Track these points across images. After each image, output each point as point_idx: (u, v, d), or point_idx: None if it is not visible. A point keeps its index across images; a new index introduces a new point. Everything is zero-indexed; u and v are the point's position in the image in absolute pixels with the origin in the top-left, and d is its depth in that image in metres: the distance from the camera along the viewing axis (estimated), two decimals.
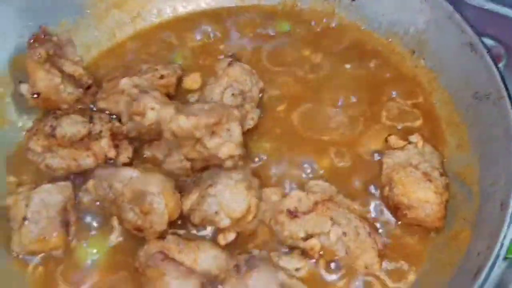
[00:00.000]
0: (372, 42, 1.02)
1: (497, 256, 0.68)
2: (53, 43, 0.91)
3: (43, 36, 0.91)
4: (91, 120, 0.87)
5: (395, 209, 0.80)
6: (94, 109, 0.92)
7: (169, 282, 0.70)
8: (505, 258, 0.71)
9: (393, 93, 0.94)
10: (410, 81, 0.96)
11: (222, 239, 0.76)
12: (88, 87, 0.94)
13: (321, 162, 0.87)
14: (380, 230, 0.80)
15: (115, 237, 0.81)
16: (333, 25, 1.06)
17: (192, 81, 0.96)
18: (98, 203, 0.81)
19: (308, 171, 0.86)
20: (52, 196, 0.81)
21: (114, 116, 0.89)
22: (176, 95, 0.94)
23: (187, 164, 0.82)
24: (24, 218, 0.79)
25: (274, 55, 1.02)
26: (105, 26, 1.05)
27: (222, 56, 0.99)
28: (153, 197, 0.74)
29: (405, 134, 0.87)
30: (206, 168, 0.82)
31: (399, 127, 0.90)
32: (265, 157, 0.88)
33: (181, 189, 0.79)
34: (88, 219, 0.83)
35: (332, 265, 0.77)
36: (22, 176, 0.88)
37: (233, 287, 0.71)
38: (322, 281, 0.76)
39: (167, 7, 1.09)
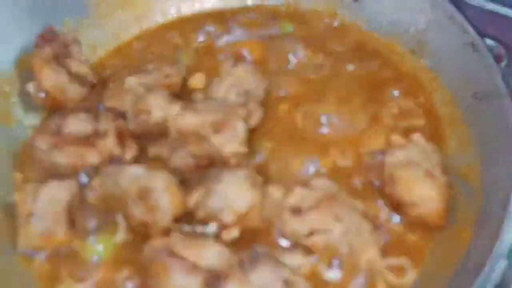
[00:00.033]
0: (373, 42, 1.03)
1: (499, 255, 0.69)
2: (59, 42, 0.93)
3: (49, 35, 0.92)
4: (96, 118, 0.88)
5: (397, 206, 0.81)
6: (100, 107, 0.93)
7: (173, 278, 0.70)
8: (507, 257, 0.72)
9: (395, 92, 0.95)
10: (411, 80, 0.97)
11: (226, 236, 0.76)
12: (94, 86, 0.95)
13: (324, 161, 0.88)
14: (382, 228, 0.80)
15: (120, 234, 0.81)
16: (335, 25, 1.07)
17: (197, 80, 0.97)
18: (103, 200, 0.82)
19: (311, 169, 0.87)
20: (58, 193, 0.82)
21: (120, 115, 0.90)
22: (180, 94, 0.94)
23: (192, 162, 0.83)
24: (30, 215, 0.80)
25: (277, 55, 1.02)
26: (110, 26, 1.06)
27: (226, 56, 1.00)
28: (158, 193, 0.75)
29: (406, 133, 0.87)
30: (210, 166, 0.82)
31: (401, 127, 0.91)
32: (268, 155, 0.89)
33: (186, 186, 0.80)
34: (93, 216, 0.83)
35: (335, 261, 0.77)
36: (28, 173, 0.89)
37: (236, 283, 0.71)
38: (325, 278, 0.77)
39: (172, 8, 1.10)
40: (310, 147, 0.89)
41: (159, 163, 0.84)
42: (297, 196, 0.79)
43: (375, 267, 0.77)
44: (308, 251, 0.77)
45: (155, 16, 1.10)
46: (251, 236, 0.79)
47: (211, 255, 0.73)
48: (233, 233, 0.76)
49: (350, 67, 1.00)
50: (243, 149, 0.81)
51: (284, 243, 0.79)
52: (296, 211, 0.78)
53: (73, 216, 0.82)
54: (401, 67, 0.99)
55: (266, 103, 0.94)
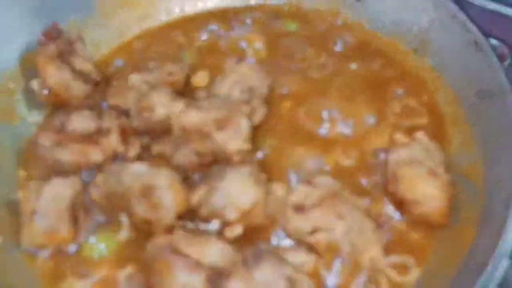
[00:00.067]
0: (376, 41, 1.04)
1: (502, 254, 0.69)
2: (63, 40, 0.93)
3: (54, 33, 0.92)
4: (100, 116, 0.88)
5: (400, 205, 0.81)
6: (104, 105, 0.93)
7: (176, 275, 0.70)
8: (510, 257, 0.72)
9: (398, 91, 0.95)
10: (414, 79, 0.97)
11: (229, 233, 0.77)
12: (97, 84, 0.95)
13: (327, 159, 0.88)
14: (385, 226, 0.80)
15: (123, 231, 0.81)
16: (338, 24, 1.08)
17: (200, 78, 0.97)
18: (106, 197, 0.82)
19: (314, 167, 0.87)
20: (61, 190, 0.82)
21: (123, 112, 0.91)
22: (183, 92, 0.95)
23: (195, 159, 0.83)
24: (34, 212, 0.80)
25: (280, 54, 1.03)
26: (114, 24, 1.07)
27: (229, 55, 1.01)
28: (162, 191, 0.75)
29: (410, 132, 0.87)
30: (214, 163, 0.83)
31: (404, 125, 0.91)
32: (271, 153, 0.89)
33: (189, 184, 0.80)
34: (96, 213, 0.83)
35: (338, 259, 0.78)
36: (32, 170, 0.89)
37: (239, 280, 0.71)
38: (328, 276, 0.77)
39: (175, 7, 1.11)
40: (313, 145, 0.89)
41: (162, 160, 0.84)
42: (300, 193, 0.79)
43: (377, 266, 0.77)
44: (311, 249, 0.77)
45: (158, 15, 1.10)
46: (254, 234, 0.79)
47: (214, 252, 0.73)
48: (237, 230, 0.77)
49: (353, 66, 1.00)
50: (246, 146, 0.81)
51: (287, 241, 0.79)
52: (299, 208, 0.78)
53: (76, 213, 0.82)
54: (404, 66, 0.99)
55: (270, 100, 0.94)
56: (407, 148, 0.84)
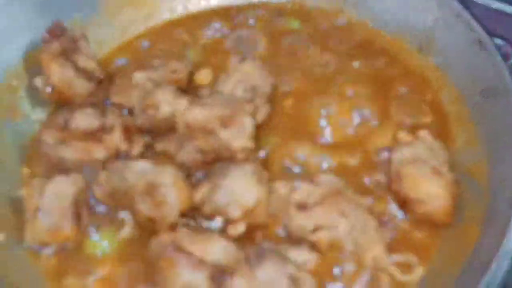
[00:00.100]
0: (380, 40, 1.03)
1: (506, 253, 0.69)
2: (67, 38, 0.93)
3: (57, 30, 0.93)
4: (103, 113, 0.88)
5: (404, 203, 0.80)
6: (107, 103, 0.93)
7: (180, 273, 0.70)
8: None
9: (402, 90, 0.95)
10: (418, 78, 0.97)
11: (233, 231, 0.77)
12: (101, 81, 0.95)
13: (330, 157, 0.88)
14: (388, 225, 0.80)
15: (126, 229, 0.81)
16: (341, 23, 1.07)
17: (203, 76, 0.97)
18: (110, 195, 0.82)
19: (317, 165, 0.87)
20: (64, 188, 0.82)
21: (127, 110, 0.91)
22: (187, 90, 0.95)
23: (199, 157, 0.83)
24: (37, 210, 0.80)
25: (283, 52, 1.03)
26: (117, 22, 1.07)
27: (233, 53, 1.01)
28: (165, 188, 0.75)
29: (413, 130, 0.87)
30: (217, 161, 0.82)
31: (408, 124, 0.91)
32: (274, 151, 0.89)
33: (192, 181, 0.80)
34: (100, 211, 0.84)
35: (340, 258, 0.77)
36: (35, 168, 0.90)
37: (242, 278, 0.71)
38: (330, 274, 0.77)
39: (179, 5, 1.11)
40: (316, 144, 0.89)
41: (166, 158, 0.84)
42: (303, 192, 0.79)
43: (381, 264, 0.77)
44: (313, 247, 0.77)
45: (162, 13, 1.10)
46: (257, 232, 0.79)
47: (218, 250, 0.73)
48: (240, 228, 0.77)
49: (357, 65, 1.00)
50: (250, 144, 0.81)
51: (289, 239, 0.79)
52: (302, 206, 0.78)
53: (79, 211, 0.82)
54: (408, 65, 0.99)
55: (273, 99, 0.94)
56: (410, 147, 0.83)
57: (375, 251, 0.77)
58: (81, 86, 0.92)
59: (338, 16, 1.08)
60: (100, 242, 0.81)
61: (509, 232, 0.70)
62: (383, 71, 0.99)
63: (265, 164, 0.86)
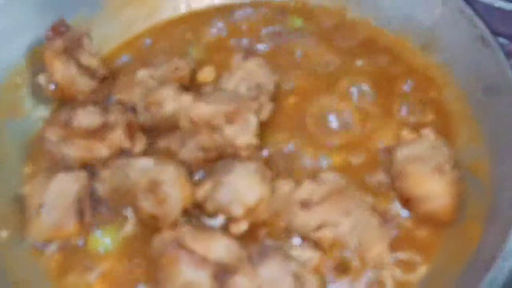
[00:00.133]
0: (383, 38, 1.03)
1: (509, 251, 0.68)
2: (70, 35, 0.93)
3: (61, 28, 0.93)
4: (106, 111, 0.88)
5: (407, 202, 0.80)
6: (110, 100, 0.94)
7: (182, 270, 0.70)
8: None
9: (405, 88, 0.95)
10: (422, 76, 0.96)
11: (235, 229, 0.77)
12: (104, 79, 0.95)
13: (333, 155, 0.88)
14: (391, 223, 0.80)
15: (129, 226, 0.82)
16: (344, 21, 1.07)
17: (206, 74, 0.97)
18: (112, 192, 0.82)
19: (320, 163, 0.87)
20: (67, 185, 0.82)
21: (129, 108, 0.91)
22: (189, 88, 0.94)
23: (201, 155, 0.83)
24: (40, 207, 0.80)
25: (286, 51, 1.02)
26: (120, 20, 1.07)
27: (236, 50, 1.01)
28: (168, 186, 0.76)
29: (416, 128, 0.87)
30: (219, 159, 0.83)
31: (411, 122, 0.91)
32: (277, 149, 0.89)
33: (195, 179, 0.80)
34: (102, 208, 0.84)
35: (343, 255, 0.78)
36: (38, 165, 0.90)
37: (245, 276, 0.71)
38: (333, 272, 0.77)
39: (182, 3, 1.11)
40: (319, 141, 0.89)
41: (168, 156, 0.84)
42: (306, 189, 0.79)
43: (383, 262, 0.77)
44: (316, 245, 0.77)
45: (165, 10, 1.10)
46: (260, 230, 0.79)
47: (220, 248, 0.73)
48: (242, 226, 0.77)
49: (360, 63, 1.00)
50: (255, 141, 0.82)
51: (292, 237, 0.79)
52: (305, 204, 0.78)
53: (82, 208, 0.82)
54: (411, 63, 0.99)
55: (276, 97, 0.94)
56: (414, 144, 0.83)
57: (378, 249, 0.77)
58: (84, 84, 0.92)
59: (341, 14, 1.08)
60: (103, 239, 0.82)
61: None
62: (386, 69, 0.98)
63: (268, 162, 0.86)
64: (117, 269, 0.79)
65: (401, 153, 0.83)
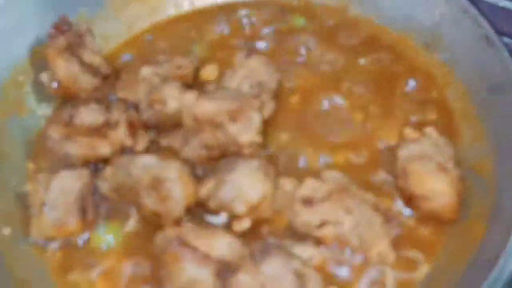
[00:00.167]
0: (386, 36, 1.03)
1: None
2: (73, 33, 0.93)
3: (63, 26, 0.93)
4: (108, 109, 0.88)
5: (410, 200, 0.80)
6: (112, 98, 0.94)
7: (185, 267, 0.70)
8: None
9: (408, 86, 0.95)
10: (425, 74, 0.96)
11: (238, 226, 0.77)
12: (106, 77, 0.95)
13: (335, 154, 0.88)
14: (394, 221, 0.80)
15: (131, 224, 0.82)
16: (347, 20, 1.07)
17: (209, 72, 0.97)
18: (115, 190, 0.82)
19: (322, 162, 0.87)
20: (70, 182, 0.82)
21: (132, 105, 0.91)
22: (193, 86, 0.94)
23: (204, 153, 0.83)
24: (43, 204, 0.80)
25: (289, 49, 1.02)
26: (123, 17, 1.07)
27: (239, 49, 1.01)
28: (171, 183, 0.76)
29: (419, 127, 0.87)
30: (222, 157, 0.82)
31: (414, 120, 0.90)
32: (279, 148, 0.89)
33: (197, 177, 0.80)
34: (105, 205, 0.84)
35: (345, 254, 0.77)
36: (41, 163, 0.90)
37: (248, 274, 0.71)
38: (335, 270, 0.77)
39: (185, 0, 1.11)
40: (321, 140, 0.89)
41: (171, 154, 0.84)
42: (309, 187, 0.79)
43: (386, 260, 0.77)
44: (319, 242, 0.77)
45: (168, 8, 1.10)
46: (262, 228, 0.79)
47: (223, 245, 0.73)
48: (245, 224, 0.77)
49: (362, 62, 1.00)
50: (258, 139, 0.82)
51: (295, 234, 0.79)
52: (308, 202, 0.78)
53: (85, 205, 0.82)
54: (414, 61, 0.98)
55: (279, 96, 0.94)
56: (417, 143, 0.83)
57: (380, 247, 0.76)
58: (87, 81, 0.92)
59: (343, 13, 1.08)
60: (105, 237, 0.82)
61: None
62: (389, 68, 0.98)
63: (271, 160, 0.86)
64: (119, 267, 0.79)
65: (404, 152, 0.82)
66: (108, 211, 0.83)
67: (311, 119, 0.92)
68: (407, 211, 0.81)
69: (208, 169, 0.82)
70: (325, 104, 0.94)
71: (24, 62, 0.96)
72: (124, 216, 0.82)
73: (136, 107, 0.89)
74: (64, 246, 0.81)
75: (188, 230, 0.73)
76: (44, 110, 0.96)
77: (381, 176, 0.85)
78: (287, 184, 0.81)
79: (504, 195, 0.76)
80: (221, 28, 1.07)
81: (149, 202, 0.77)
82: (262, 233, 0.79)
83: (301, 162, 0.87)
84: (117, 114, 0.87)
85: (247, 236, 0.76)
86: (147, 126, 0.88)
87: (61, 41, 0.90)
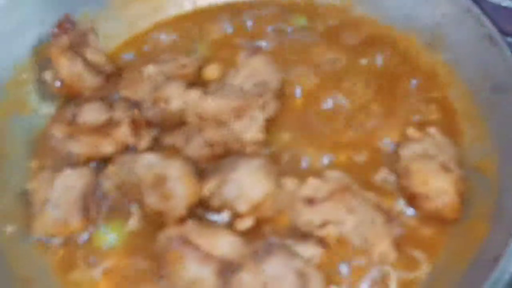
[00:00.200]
0: (389, 36, 1.02)
1: None
2: (76, 32, 0.94)
3: (66, 25, 0.93)
4: (111, 107, 0.88)
5: (412, 199, 0.80)
6: (115, 96, 0.94)
7: (187, 266, 0.71)
8: None
9: (411, 86, 0.95)
10: (427, 74, 0.96)
11: (240, 225, 0.77)
12: (109, 75, 0.96)
13: (338, 153, 0.88)
14: (396, 220, 0.80)
15: (134, 222, 0.82)
16: (349, 19, 1.07)
17: (212, 71, 0.97)
18: (118, 188, 0.82)
19: (325, 161, 0.87)
20: (73, 181, 0.82)
21: (135, 104, 0.91)
22: (195, 85, 0.94)
23: (207, 151, 0.83)
24: (45, 202, 0.81)
25: (291, 49, 1.02)
26: (126, 16, 1.07)
27: (242, 48, 1.01)
28: (174, 181, 0.76)
29: (422, 126, 0.87)
30: (225, 156, 0.83)
31: (416, 120, 0.90)
32: (282, 147, 0.89)
33: (201, 175, 0.80)
34: (108, 204, 0.84)
35: (347, 253, 0.77)
36: (44, 161, 0.90)
37: (249, 273, 0.71)
38: (337, 269, 0.77)
39: (185, 0, 1.11)
40: (324, 139, 0.89)
41: (174, 152, 0.84)
42: (311, 187, 0.79)
43: (388, 260, 0.77)
44: (321, 242, 0.77)
45: (171, 7, 1.10)
46: (265, 227, 0.79)
47: (225, 244, 0.73)
48: (247, 223, 0.77)
49: (365, 61, 1.00)
50: (262, 137, 0.82)
51: (297, 234, 0.79)
52: (310, 202, 0.78)
53: (87, 204, 0.82)
54: (417, 61, 0.98)
55: (281, 95, 0.94)
56: (419, 143, 0.83)
57: (382, 247, 0.76)
58: (90, 80, 0.93)
59: (345, 12, 1.08)
60: (108, 235, 0.82)
61: None
62: (391, 67, 0.98)
63: (273, 159, 0.86)
64: (121, 265, 0.79)
65: (406, 151, 0.83)
66: (110, 210, 0.83)
67: (313, 119, 0.92)
68: (409, 211, 0.81)
69: (210, 168, 0.82)
70: (328, 104, 0.94)
71: (27, 61, 0.96)
72: (126, 215, 0.83)
73: (138, 105, 0.90)
74: (67, 244, 0.82)
75: (191, 229, 0.73)
76: (47, 109, 0.97)
77: (383, 175, 0.85)
78: (289, 183, 0.81)
79: (506, 195, 0.76)
80: (224, 28, 1.07)
81: (152, 200, 0.77)
82: (264, 233, 0.79)
83: (303, 162, 0.87)
84: (120, 113, 0.88)
85: (249, 235, 0.76)
86: (150, 125, 0.88)
87: (65, 40, 0.91)
